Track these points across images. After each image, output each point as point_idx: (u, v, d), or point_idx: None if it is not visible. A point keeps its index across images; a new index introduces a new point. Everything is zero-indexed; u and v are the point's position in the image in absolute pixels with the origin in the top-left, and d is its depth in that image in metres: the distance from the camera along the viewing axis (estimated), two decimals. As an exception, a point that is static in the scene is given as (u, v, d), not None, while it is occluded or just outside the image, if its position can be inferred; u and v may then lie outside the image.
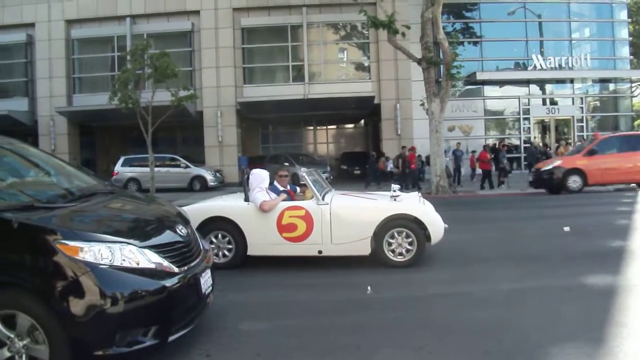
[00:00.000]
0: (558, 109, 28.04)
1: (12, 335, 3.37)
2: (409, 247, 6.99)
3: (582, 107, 27.83)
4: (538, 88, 27.94)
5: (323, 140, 34.26)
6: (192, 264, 4.15)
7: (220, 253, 7.24)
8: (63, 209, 3.82)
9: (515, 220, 11.69)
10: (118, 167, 23.60)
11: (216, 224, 7.26)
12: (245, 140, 29.20)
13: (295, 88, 25.85)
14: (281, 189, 7.62)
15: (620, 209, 12.64)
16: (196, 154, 26.40)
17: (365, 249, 7.02)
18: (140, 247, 3.71)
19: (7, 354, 3.37)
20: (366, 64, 27.21)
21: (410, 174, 21.02)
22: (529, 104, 27.67)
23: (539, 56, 26.40)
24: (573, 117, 27.75)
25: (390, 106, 25.72)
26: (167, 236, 4.09)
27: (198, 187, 22.92)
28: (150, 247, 3.80)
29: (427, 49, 18.56)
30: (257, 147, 31.65)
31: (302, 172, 7.55)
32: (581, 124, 27.50)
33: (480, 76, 25.67)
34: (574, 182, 16.60)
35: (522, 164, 26.23)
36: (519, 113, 27.50)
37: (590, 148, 17.18)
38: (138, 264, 3.63)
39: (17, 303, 3.37)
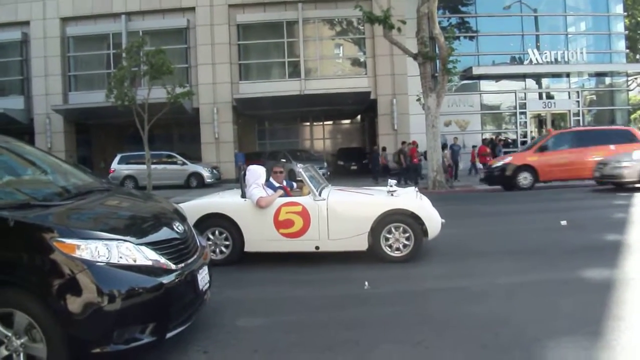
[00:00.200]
0: (554, 103, 28.02)
1: (9, 334, 3.37)
2: (406, 242, 7.00)
3: (578, 101, 27.81)
4: (534, 82, 27.92)
5: (319, 136, 34.24)
6: (189, 260, 4.15)
7: (218, 250, 7.25)
8: (59, 207, 3.81)
9: (513, 215, 11.72)
10: (115, 165, 23.56)
11: (213, 221, 7.26)
12: (242, 137, 29.16)
13: (291, 84, 25.79)
14: (277, 185, 7.60)
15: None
16: (192, 150, 26.34)
17: (362, 245, 7.02)
18: (137, 245, 3.70)
19: (5, 353, 3.37)
20: (362, 60, 27.16)
21: (414, 169, 21.01)
22: (525, 99, 27.62)
23: (535, 50, 26.35)
24: (569, 111, 27.72)
25: (386, 101, 25.71)
26: (164, 233, 4.09)
27: (195, 184, 22.89)
28: (147, 244, 3.79)
29: (423, 44, 18.54)
30: (253, 144, 31.62)
31: (299, 168, 7.55)
32: (577, 118, 27.47)
33: (476, 71, 25.64)
34: (525, 178, 16.49)
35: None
36: (515, 107, 27.47)
37: (541, 144, 17.13)
38: (135, 261, 3.62)
39: (14, 301, 3.36)
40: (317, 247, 7.06)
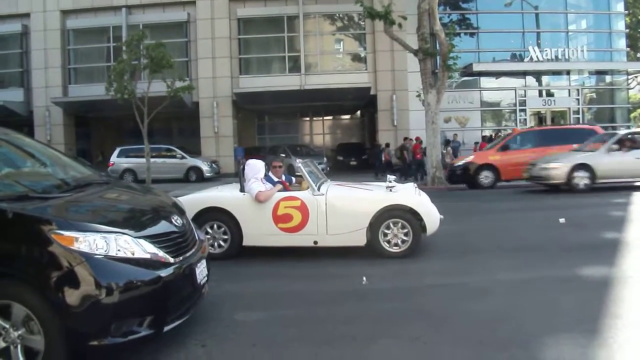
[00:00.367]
0: (554, 100, 28.00)
1: (7, 326, 3.37)
2: (405, 238, 7.00)
3: (578, 99, 27.79)
4: (534, 79, 27.88)
5: (319, 131, 34.20)
6: (188, 254, 4.15)
7: (216, 243, 7.25)
8: (58, 199, 3.81)
9: (512, 212, 11.73)
10: (114, 158, 23.57)
11: (212, 215, 7.26)
12: (241, 131, 29.15)
13: (291, 79, 25.76)
14: (276, 179, 7.60)
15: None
16: (192, 144, 26.33)
17: (360, 240, 7.03)
18: (135, 237, 3.70)
19: (2, 344, 3.37)
20: (362, 55, 27.14)
21: (418, 165, 20.98)
22: (525, 96, 27.60)
23: (536, 48, 26.30)
24: (569, 108, 27.70)
25: (386, 97, 25.69)
26: (162, 226, 4.08)
27: (194, 178, 22.92)
28: (146, 237, 3.79)
29: (423, 40, 18.50)
30: (253, 138, 31.61)
31: (298, 162, 7.54)
32: (577, 116, 27.46)
33: (476, 67, 25.61)
34: (486, 177, 16.47)
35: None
36: (515, 104, 27.46)
37: (503, 143, 17.12)
38: (133, 254, 3.62)
39: (12, 293, 3.36)
40: (315, 242, 7.06)
